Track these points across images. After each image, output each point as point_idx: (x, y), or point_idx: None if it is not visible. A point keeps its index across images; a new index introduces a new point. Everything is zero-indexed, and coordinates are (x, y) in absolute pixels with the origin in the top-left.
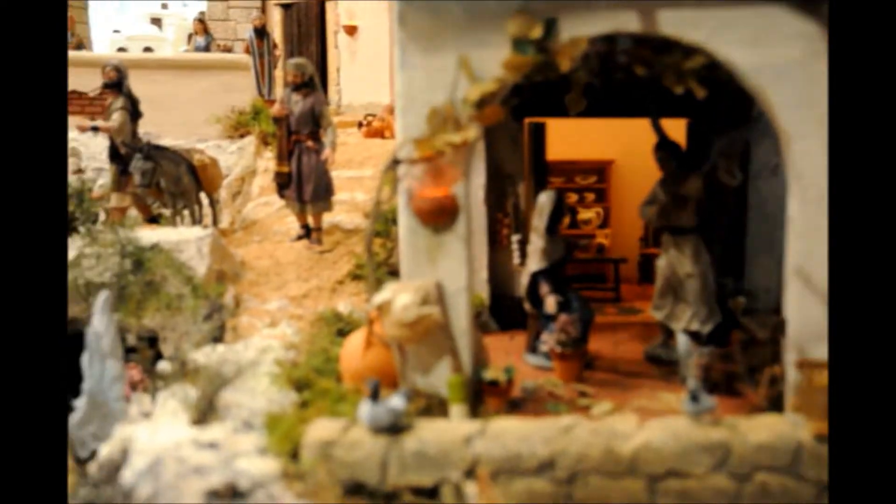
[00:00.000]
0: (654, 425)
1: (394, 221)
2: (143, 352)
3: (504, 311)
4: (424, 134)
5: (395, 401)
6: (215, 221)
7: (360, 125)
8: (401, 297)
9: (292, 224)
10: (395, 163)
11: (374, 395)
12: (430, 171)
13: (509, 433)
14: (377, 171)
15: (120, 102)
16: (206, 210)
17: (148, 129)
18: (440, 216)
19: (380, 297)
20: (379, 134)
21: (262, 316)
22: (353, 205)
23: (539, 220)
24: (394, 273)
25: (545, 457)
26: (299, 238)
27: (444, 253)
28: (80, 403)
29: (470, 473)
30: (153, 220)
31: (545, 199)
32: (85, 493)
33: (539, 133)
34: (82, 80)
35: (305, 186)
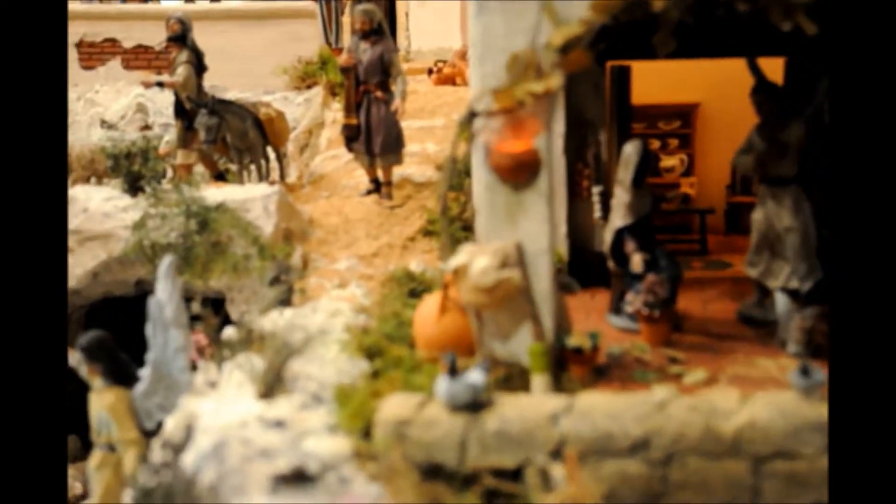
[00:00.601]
0: (758, 401)
1: (467, 174)
2: (209, 319)
3: (584, 267)
4: (503, 83)
5: (475, 375)
6: (282, 176)
7: (430, 72)
8: (478, 260)
9: (361, 178)
10: (472, 115)
11: (452, 371)
12: (510, 123)
13: (598, 410)
14: (449, 121)
15: (184, 56)
16: (273, 165)
17: (213, 82)
18: (520, 172)
19: (456, 260)
20: (450, 81)
21: (330, 276)
22: (425, 156)
23: (624, 173)
24: (467, 229)
25: (638, 436)
26: (369, 193)
27: (525, 212)
28: (144, 374)
29: (556, 454)
30: (220, 176)
31: (631, 150)
32: (145, 479)
33: (623, 77)
34: (147, 34)
35: (375, 139)
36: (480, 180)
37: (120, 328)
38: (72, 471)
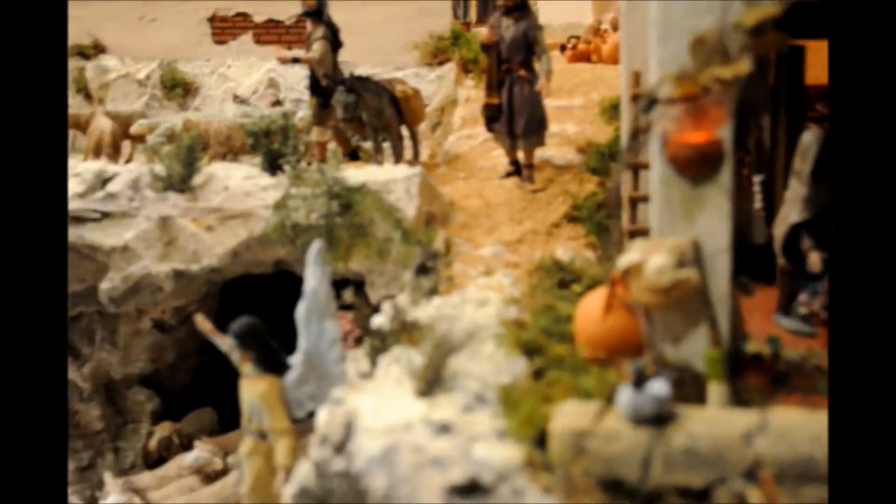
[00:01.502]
0: None
1: (611, 157)
2: (361, 308)
3: (743, 262)
4: (686, 68)
5: (658, 387)
6: (416, 155)
7: (562, 48)
8: (654, 258)
9: (498, 159)
10: (652, 102)
11: (638, 382)
12: (692, 111)
13: (797, 431)
14: (588, 101)
15: (321, 32)
16: (406, 143)
17: (343, 58)
18: (701, 165)
19: (628, 257)
20: (585, 58)
21: (475, 263)
22: (565, 138)
23: (802, 164)
24: (612, 216)
25: None
26: (508, 175)
27: (703, 207)
28: (295, 361)
29: (749, 475)
30: (353, 154)
31: (810, 140)
32: (312, 482)
33: (797, 58)
34: (277, 8)
35: (517, 120)
36: (657, 172)
37: (253, 307)
38: (209, 444)
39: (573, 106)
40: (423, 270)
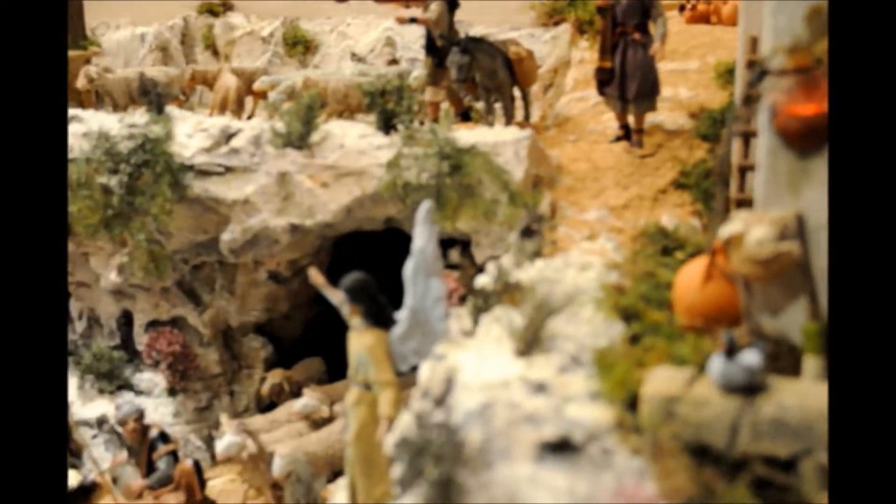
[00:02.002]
0: None
1: (723, 123)
2: (467, 268)
3: None
4: (799, 39)
5: (750, 357)
6: (526, 117)
7: (681, 9)
8: (756, 229)
9: (609, 122)
10: (763, 74)
11: (730, 351)
12: (803, 83)
13: None
14: (704, 64)
15: None
16: (518, 104)
17: (458, 17)
18: (810, 138)
19: (730, 228)
20: (704, 19)
21: (579, 227)
22: (677, 102)
23: None
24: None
25: None
26: (618, 139)
27: (809, 180)
28: (401, 317)
29: None
30: (465, 114)
31: None
32: (413, 432)
33: None
34: None
35: (629, 84)
36: (764, 143)
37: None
38: (317, 392)
39: (688, 69)
40: (527, 233)
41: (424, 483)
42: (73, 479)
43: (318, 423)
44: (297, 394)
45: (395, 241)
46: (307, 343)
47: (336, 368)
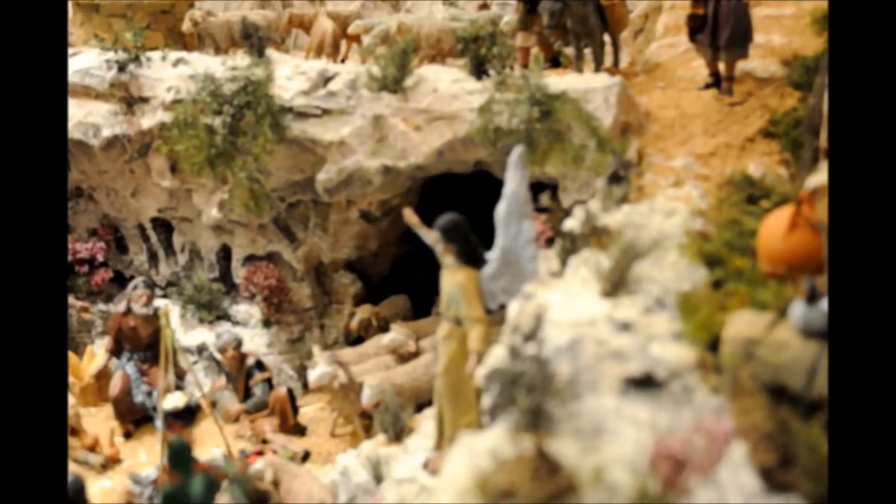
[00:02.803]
0: None
1: (816, 71)
2: (556, 211)
3: None
4: None
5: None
6: (616, 63)
7: None
8: None
9: (699, 69)
10: None
11: (811, 299)
12: None
13: None
14: (799, 10)
15: None
16: (608, 50)
17: None
18: None
19: (818, 177)
20: None
21: (665, 174)
22: (769, 49)
23: None
24: (808, 134)
25: None
26: (707, 87)
27: None
28: (492, 257)
29: None
30: (554, 60)
31: None
32: (506, 363)
33: None
34: None
35: (721, 30)
36: None
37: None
38: (404, 328)
39: (783, 15)
40: (615, 179)
41: (516, 411)
42: (181, 399)
43: (404, 357)
44: (384, 329)
45: (482, 184)
46: (394, 280)
47: (420, 306)
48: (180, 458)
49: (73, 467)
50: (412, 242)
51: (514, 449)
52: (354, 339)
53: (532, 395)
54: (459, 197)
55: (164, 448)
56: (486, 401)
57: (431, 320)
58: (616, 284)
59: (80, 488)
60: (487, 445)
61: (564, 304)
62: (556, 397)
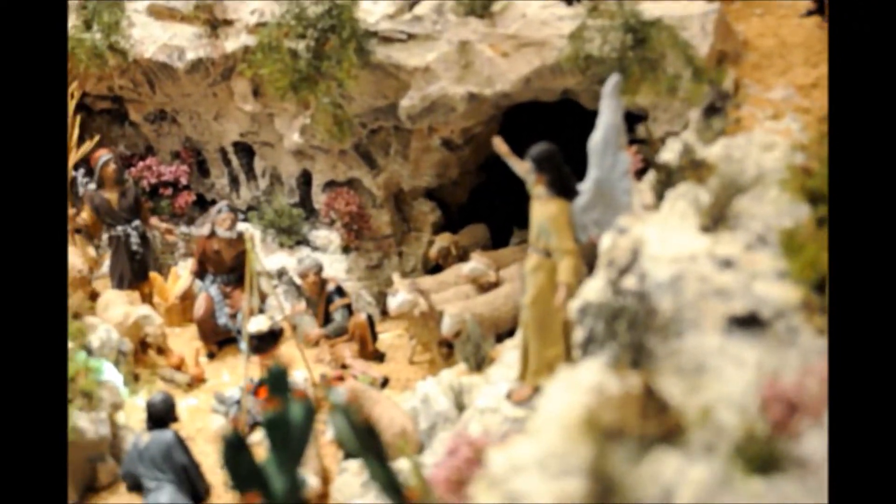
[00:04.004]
0: None
1: None
2: (653, 143)
3: None
4: None
5: None
6: None
7: None
8: None
9: None
10: None
11: None
12: None
13: None
14: None
15: None
16: None
17: None
18: None
19: None
20: None
21: (763, 106)
22: None
23: None
24: None
25: None
26: (809, 14)
27: None
28: (584, 188)
29: None
30: None
31: None
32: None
33: None
34: None
35: None
36: None
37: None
38: (484, 257)
39: None
40: (711, 110)
41: (615, 346)
42: (265, 323)
43: (483, 287)
44: (462, 258)
45: (565, 113)
46: (472, 209)
47: (499, 236)
48: (280, 383)
49: (159, 385)
50: (491, 171)
51: (621, 385)
52: (431, 268)
53: (633, 331)
54: (541, 126)
55: (263, 371)
56: (580, 334)
57: (511, 250)
58: (716, 219)
59: (171, 405)
60: (592, 381)
61: (662, 239)
62: (657, 334)
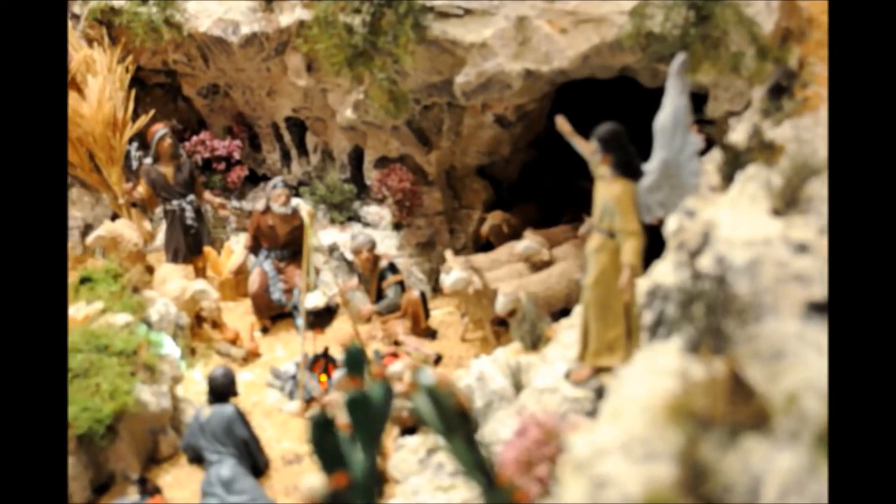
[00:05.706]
0: None
1: None
2: (722, 125)
3: None
4: None
5: None
6: None
7: None
8: None
9: None
10: None
11: None
12: None
13: None
14: None
15: None
16: None
17: None
18: None
19: None
20: None
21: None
22: None
23: None
24: None
25: None
26: None
27: None
28: (650, 168)
29: None
30: None
31: None
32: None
33: None
34: None
35: None
36: None
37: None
38: (537, 235)
39: None
40: (777, 89)
41: (692, 330)
42: (321, 299)
43: (536, 266)
44: (513, 236)
45: (620, 90)
46: (522, 187)
47: (549, 214)
48: (357, 362)
49: (215, 359)
50: (541, 149)
51: (706, 371)
52: (482, 246)
53: (712, 315)
54: (594, 102)
55: (343, 352)
56: (648, 317)
57: (562, 229)
58: (788, 203)
59: (232, 379)
60: (673, 365)
61: (734, 223)
62: (735, 318)
